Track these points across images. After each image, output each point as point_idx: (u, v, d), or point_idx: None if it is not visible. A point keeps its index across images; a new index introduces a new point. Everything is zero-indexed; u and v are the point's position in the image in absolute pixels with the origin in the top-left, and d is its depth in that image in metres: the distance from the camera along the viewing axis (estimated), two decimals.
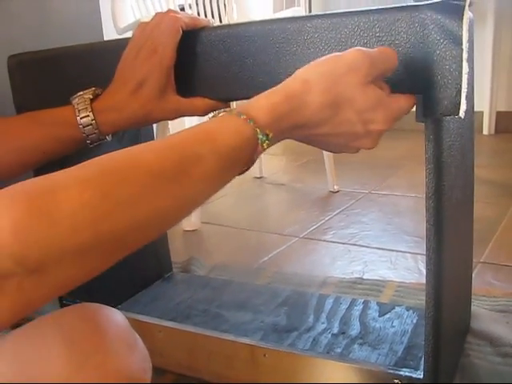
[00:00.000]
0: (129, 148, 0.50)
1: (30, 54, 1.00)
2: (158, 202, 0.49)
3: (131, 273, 1.24)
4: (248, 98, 0.77)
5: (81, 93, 0.80)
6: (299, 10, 2.38)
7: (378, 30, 0.66)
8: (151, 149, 0.52)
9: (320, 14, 0.69)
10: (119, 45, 0.82)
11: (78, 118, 0.78)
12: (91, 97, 0.79)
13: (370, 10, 0.66)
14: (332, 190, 2.20)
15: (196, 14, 2.33)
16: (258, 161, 2.33)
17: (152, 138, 1.26)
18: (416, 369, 0.86)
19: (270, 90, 0.60)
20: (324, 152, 2.17)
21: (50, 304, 1.28)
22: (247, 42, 0.74)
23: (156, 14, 0.79)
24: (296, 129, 0.62)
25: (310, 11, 3.41)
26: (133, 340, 0.63)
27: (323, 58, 0.61)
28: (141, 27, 0.79)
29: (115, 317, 0.63)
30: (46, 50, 0.96)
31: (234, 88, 0.76)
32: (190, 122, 1.77)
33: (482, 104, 2.92)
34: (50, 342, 0.57)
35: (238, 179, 2.30)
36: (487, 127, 2.99)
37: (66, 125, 0.79)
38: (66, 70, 0.93)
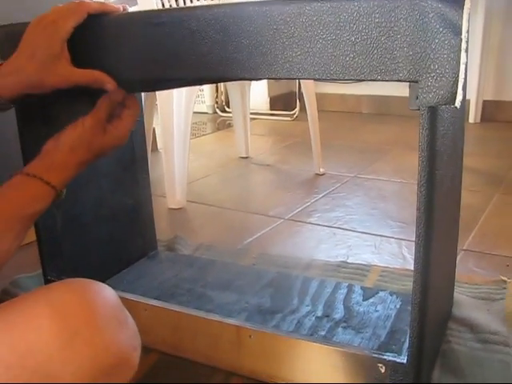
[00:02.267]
0: None
1: (20, 26, 0.98)
2: None
3: (116, 250, 1.24)
4: (242, 79, 0.77)
5: None
6: None
7: (377, 15, 0.65)
8: None
9: None
10: (111, 19, 0.85)
11: None
12: None
13: None
14: (318, 172, 2.20)
15: None
16: (244, 141, 2.35)
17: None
18: (398, 353, 0.87)
19: (43, 156, 0.84)
20: (311, 134, 2.17)
21: (35, 280, 1.28)
22: (244, 22, 0.73)
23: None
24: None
25: None
26: (123, 316, 0.63)
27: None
28: (53, 7, 0.86)
29: (106, 292, 0.63)
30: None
31: (229, 68, 0.75)
32: (178, 95, 1.77)
33: (469, 92, 2.94)
34: (40, 316, 0.57)
35: (223, 159, 2.32)
36: (473, 115, 3.01)
37: None
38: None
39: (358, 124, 3.23)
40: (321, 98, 2.22)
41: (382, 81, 0.68)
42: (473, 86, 2.96)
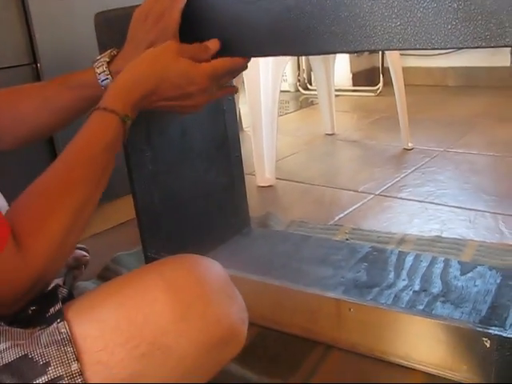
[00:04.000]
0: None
1: (116, 11, 1.02)
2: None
3: (211, 227, 1.26)
4: (341, 52, 0.76)
5: (99, 57, 0.90)
6: None
7: None
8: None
9: None
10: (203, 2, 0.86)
11: (99, 80, 0.88)
12: (108, 59, 0.89)
13: None
14: (406, 147, 2.17)
15: None
16: (329, 117, 2.34)
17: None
18: (501, 328, 0.85)
19: (115, 81, 0.77)
20: (398, 109, 2.14)
21: (135, 256, 1.33)
22: None
23: None
24: (142, 100, 0.76)
25: None
26: (232, 291, 0.65)
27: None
28: None
29: (216, 268, 0.65)
30: (132, 6, 0.98)
31: (328, 42, 0.74)
32: (265, 74, 1.78)
33: None
34: (154, 290, 0.59)
35: (309, 136, 2.33)
36: None
37: (91, 86, 0.89)
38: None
39: (444, 97, 3.14)
40: (405, 71, 2.17)
41: (487, 47, 0.66)
42: None
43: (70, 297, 0.65)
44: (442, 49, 0.69)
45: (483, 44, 0.65)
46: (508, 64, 2.93)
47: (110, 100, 0.73)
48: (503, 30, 0.63)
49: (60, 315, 0.57)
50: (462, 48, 0.68)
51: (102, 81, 0.88)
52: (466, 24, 0.65)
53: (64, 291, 0.64)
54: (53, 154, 1.45)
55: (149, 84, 0.77)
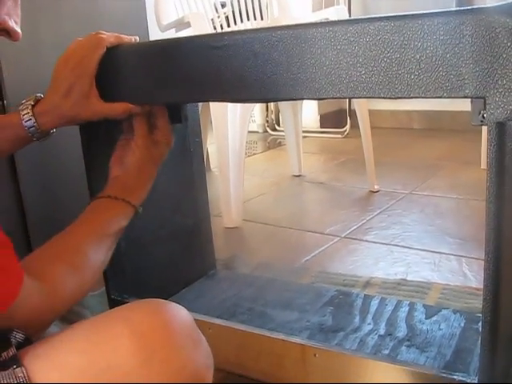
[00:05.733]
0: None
1: None
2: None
3: (176, 269, 1.25)
4: (306, 99, 0.77)
5: (24, 100, 0.94)
6: (341, 9, 2.37)
7: (442, 32, 0.65)
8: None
9: (383, 17, 0.69)
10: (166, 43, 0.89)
11: (23, 121, 0.92)
12: (32, 103, 0.93)
13: (435, 13, 0.66)
14: (372, 189, 2.19)
15: (237, 11, 2.35)
16: (296, 159, 2.36)
17: (199, 128, 1.27)
18: (466, 373, 0.86)
19: (114, 182, 0.94)
20: (364, 151, 2.17)
21: (98, 298, 1.30)
22: (308, 43, 0.73)
23: (89, 34, 0.95)
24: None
25: (349, 11, 3.39)
26: (197, 336, 0.65)
27: None
28: (74, 42, 0.94)
29: (181, 313, 0.65)
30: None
31: (293, 89, 0.75)
32: (232, 115, 1.79)
33: None
34: (119, 336, 0.59)
35: (276, 177, 2.34)
36: None
37: (15, 127, 0.93)
38: (120, 66, 0.95)
39: (409, 140, 3.20)
40: (371, 114, 2.21)
41: (448, 98, 0.68)
42: None
43: (26, 341, 0.64)
44: (405, 98, 0.70)
45: (444, 94, 0.67)
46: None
47: (127, 193, 0.90)
48: (462, 81, 0.65)
49: (15, 361, 0.56)
50: (425, 98, 0.69)
51: (26, 121, 0.92)
52: (427, 75, 0.67)
53: (19, 336, 0.63)
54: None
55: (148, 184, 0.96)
